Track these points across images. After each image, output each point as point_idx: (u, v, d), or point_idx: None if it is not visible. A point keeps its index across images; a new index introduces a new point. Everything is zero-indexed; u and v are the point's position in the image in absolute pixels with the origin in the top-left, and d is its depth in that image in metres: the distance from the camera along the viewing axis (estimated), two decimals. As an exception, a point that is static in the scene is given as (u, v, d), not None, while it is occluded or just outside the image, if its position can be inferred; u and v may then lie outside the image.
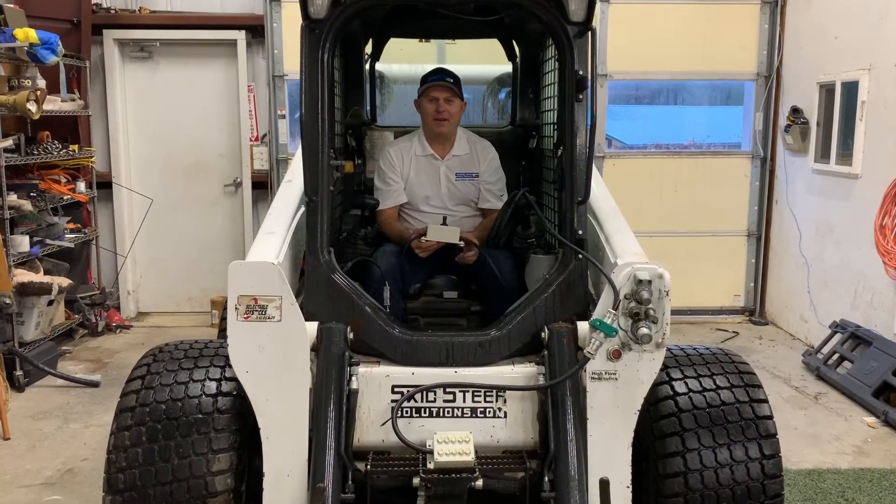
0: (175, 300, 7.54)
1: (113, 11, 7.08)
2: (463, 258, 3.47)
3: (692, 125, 7.78)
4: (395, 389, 2.83)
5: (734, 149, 7.64)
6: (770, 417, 2.92)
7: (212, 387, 2.89)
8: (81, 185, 6.65)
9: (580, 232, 3.00)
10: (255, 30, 7.11)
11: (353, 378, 2.78)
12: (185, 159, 7.40)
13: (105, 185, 7.22)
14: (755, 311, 7.58)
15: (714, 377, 3.00)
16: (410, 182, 3.79)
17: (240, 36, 7.16)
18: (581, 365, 2.71)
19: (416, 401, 2.82)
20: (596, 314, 2.75)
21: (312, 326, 2.83)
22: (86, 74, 6.80)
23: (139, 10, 7.09)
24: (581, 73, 2.96)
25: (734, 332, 7.12)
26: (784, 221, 7.18)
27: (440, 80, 3.68)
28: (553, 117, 3.87)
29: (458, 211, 3.81)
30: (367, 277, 3.41)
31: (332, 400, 2.67)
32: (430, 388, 2.81)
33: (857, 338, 5.73)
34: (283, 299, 2.73)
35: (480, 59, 5.16)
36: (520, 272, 3.49)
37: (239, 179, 7.40)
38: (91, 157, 6.84)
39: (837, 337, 5.91)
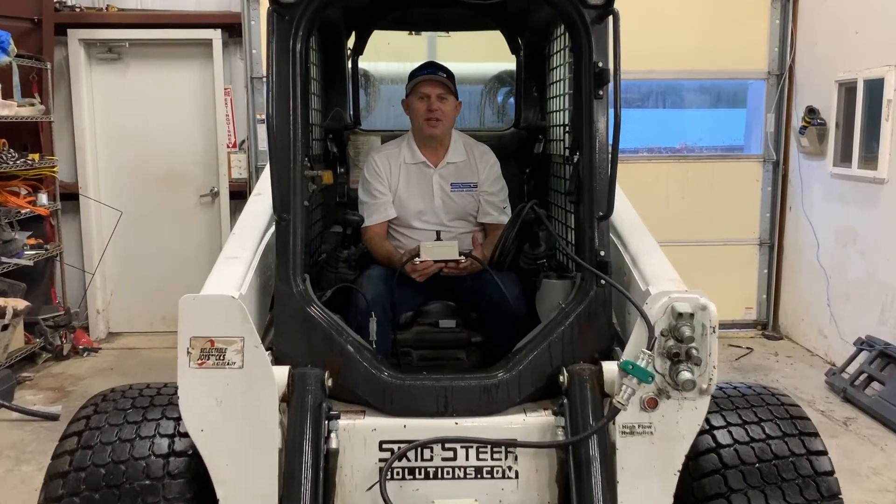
0: (148, 319, 7.01)
1: (78, 10, 6.59)
2: (451, 269, 2.96)
3: (694, 128, 7.34)
4: (384, 446, 2.39)
5: (743, 152, 7.21)
6: (832, 473, 2.47)
7: (162, 445, 2.42)
8: (43, 198, 6.15)
9: (602, 253, 2.52)
10: (232, 28, 6.63)
11: (333, 434, 2.31)
12: (157, 168, 6.92)
13: (71, 197, 6.72)
14: (768, 325, 7.15)
15: (762, 424, 2.54)
16: (399, 194, 3.30)
17: (215, 35, 6.69)
18: (610, 418, 2.24)
19: (409, 459, 2.38)
20: (626, 354, 2.28)
21: (283, 372, 2.35)
22: (47, 77, 6.29)
23: (106, 8, 6.61)
24: (601, 64, 2.50)
25: (748, 347, 6.66)
26: (799, 229, 6.74)
27: (431, 75, 3.20)
28: (562, 118, 3.39)
29: (454, 226, 3.32)
30: (350, 307, 2.92)
31: (306, 462, 2.23)
32: (427, 444, 2.37)
33: (886, 356, 5.28)
34: (246, 341, 2.25)
35: (477, 56, 4.68)
36: (528, 298, 3.00)
37: (216, 189, 6.92)
38: (54, 167, 6.35)
39: (864, 355, 5.47)
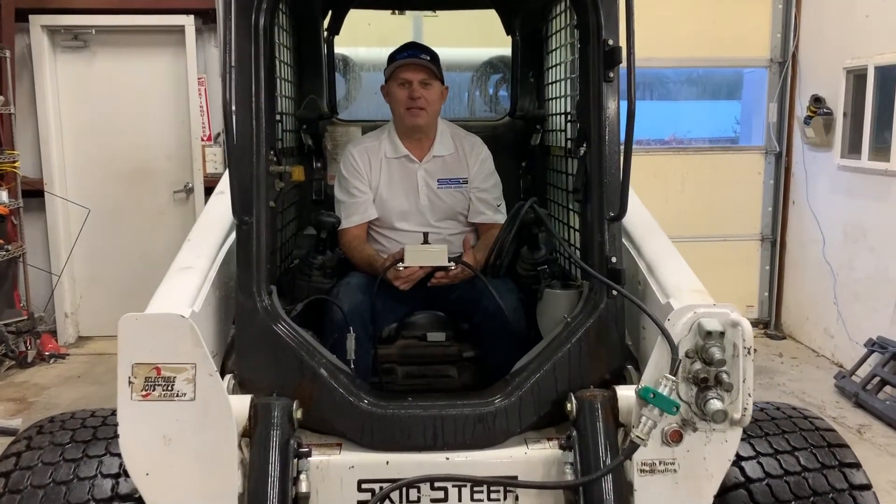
0: (120, 323, 6.62)
1: (40, -7, 6.17)
2: (439, 279, 2.63)
3: (688, 119, 7.04)
4: (364, 486, 2.06)
5: (738, 143, 6.92)
6: (878, 511, 2.14)
7: (105, 487, 2.09)
8: (3, 195, 5.76)
9: (613, 259, 2.19)
10: (206, 14, 6.26)
11: (303, 476, 1.98)
12: (127, 163, 6.53)
13: (35, 194, 6.32)
14: (770, 324, 6.87)
15: (797, 454, 2.23)
16: (380, 192, 2.95)
17: (188, 21, 6.31)
18: (628, 455, 1.92)
19: (392, 501, 2.05)
20: (646, 379, 1.95)
21: (243, 403, 2.01)
22: (6, 66, 5.89)
23: (71, -8, 6.19)
24: (611, 42, 2.17)
25: (751, 348, 6.35)
26: (804, 224, 6.45)
27: (413, 58, 2.84)
28: (563, 106, 3.05)
29: (442, 227, 2.97)
30: (326, 321, 2.58)
31: (272, 510, 1.86)
32: (413, 484, 2.03)
33: (900, 359, 4.99)
34: (199, 368, 1.91)
35: (467, 39, 4.32)
36: (527, 308, 2.67)
37: (190, 185, 6.56)
38: (14, 162, 5.96)
39: (875, 357, 5.20)
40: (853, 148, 5.71)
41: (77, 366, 6.11)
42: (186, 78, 6.38)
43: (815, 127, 6.04)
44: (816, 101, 6.06)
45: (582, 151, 2.30)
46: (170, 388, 1.89)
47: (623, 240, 2.33)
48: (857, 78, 5.65)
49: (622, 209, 2.17)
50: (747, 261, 6.86)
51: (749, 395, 1.91)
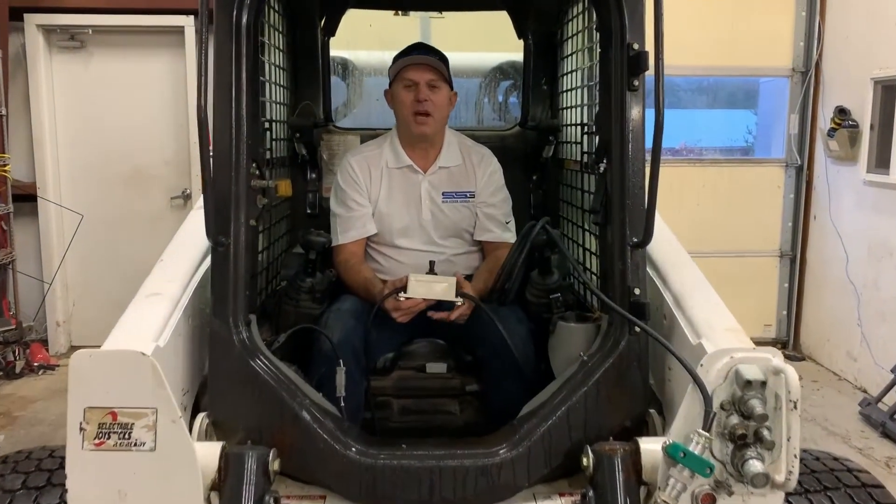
0: (113, 332, 6.41)
1: (36, -9, 5.97)
2: (442, 316, 2.38)
3: (703, 129, 6.79)
4: (350, 548, 1.79)
5: (754, 155, 6.67)
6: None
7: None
8: (-7, 199, 5.54)
9: (637, 291, 1.94)
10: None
11: None
12: (124, 167, 6.32)
13: (28, 199, 6.11)
14: (788, 344, 6.58)
15: (842, 516, 1.95)
16: (380, 206, 2.70)
17: (188, 22, 6.11)
18: (653, 523, 1.64)
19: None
20: (674, 433, 1.70)
21: (212, 452, 1.76)
22: (0, 67, 5.68)
23: (67, -10, 5.99)
24: (636, 46, 1.93)
25: (769, 370, 6.08)
26: (825, 240, 6.17)
27: (420, 57, 2.60)
28: (578, 116, 2.80)
29: (446, 246, 2.73)
30: (313, 351, 2.32)
31: (242, 578, 1.62)
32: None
33: (931, 386, 4.71)
34: (160, 413, 1.66)
35: (474, 44, 4.06)
36: (538, 340, 2.41)
37: (188, 191, 6.33)
38: (6, 166, 5.74)
39: (904, 384, 4.89)
40: (881, 162, 5.44)
41: (67, 377, 5.88)
42: (186, 80, 6.17)
43: (839, 139, 5.78)
44: (841, 112, 5.79)
45: (602, 168, 2.05)
46: (127, 436, 1.65)
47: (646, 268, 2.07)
48: (885, 89, 5.38)
49: (647, 234, 1.92)
50: (765, 278, 6.58)
51: (795, 455, 1.65)
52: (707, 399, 1.67)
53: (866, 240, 5.61)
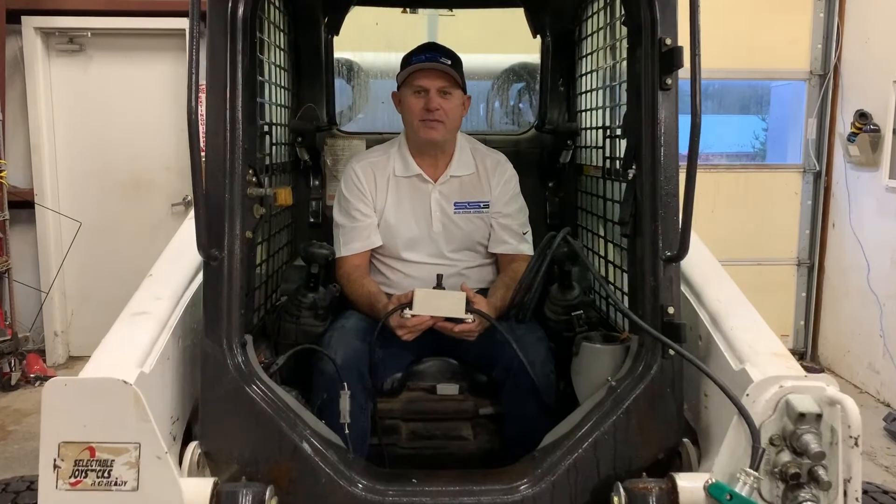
0: (112, 343, 6.25)
1: (34, -6, 5.84)
2: (459, 331, 2.20)
3: (708, 133, 6.61)
4: None
5: (765, 161, 6.50)
6: None
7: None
8: (-12, 207, 5.40)
9: (670, 310, 1.76)
10: (209, 17, 5.85)
11: None
12: (123, 173, 6.17)
13: (25, 206, 5.97)
14: (806, 355, 6.38)
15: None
16: (387, 216, 2.53)
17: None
18: (696, 574, 1.47)
19: None
20: (717, 471, 1.52)
21: (202, 489, 1.58)
22: (-4, 70, 5.56)
23: (66, -7, 5.86)
24: (669, 42, 1.76)
25: (788, 382, 5.88)
26: (845, 248, 5.98)
27: (431, 62, 2.42)
28: (599, 118, 2.63)
29: (458, 259, 2.55)
30: (315, 373, 2.15)
31: None
32: None
33: (960, 402, 4.51)
34: (144, 448, 1.49)
35: (485, 45, 3.88)
36: (557, 360, 2.23)
37: (189, 198, 6.15)
38: (2, 171, 5.61)
39: (930, 398, 4.70)
40: (905, 167, 5.26)
41: (64, 389, 5.72)
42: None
43: (860, 144, 5.59)
44: (862, 116, 5.60)
45: (631, 174, 1.87)
46: (106, 474, 1.48)
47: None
48: (909, 92, 5.20)
49: (683, 248, 1.74)
50: (782, 287, 6.39)
51: (857, 499, 1.47)
52: (755, 433, 1.49)
53: (889, 248, 5.42)
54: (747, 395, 1.54)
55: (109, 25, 5.90)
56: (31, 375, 5.74)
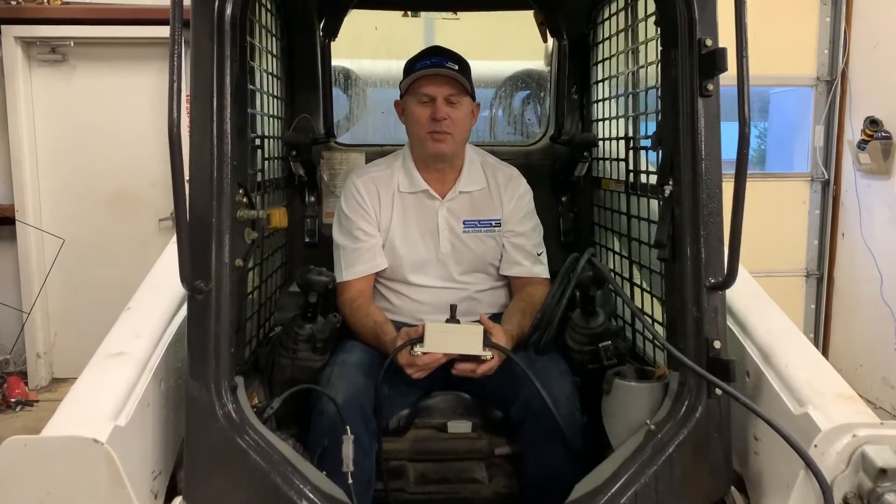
0: (97, 364, 6.02)
1: (14, 2, 5.64)
2: (481, 374, 1.98)
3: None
4: None
5: (785, 171, 6.33)
6: None
7: None
8: (-36, 224, 5.17)
9: (717, 344, 1.56)
10: (197, 26, 5.66)
11: None
12: (108, 188, 5.96)
13: (5, 222, 5.77)
14: (816, 368, 6.18)
15: None
16: (392, 236, 2.32)
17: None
18: None
19: None
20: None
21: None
22: (-26, 80, 5.36)
23: (48, 1, 5.65)
24: (710, 43, 1.57)
25: (799, 398, 5.70)
26: (855, 259, 5.81)
27: (438, 68, 2.21)
28: (626, 128, 2.43)
29: (468, 282, 2.34)
30: (314, 414, 1.93)
31: None
32: None
33: (984, 420, 4.32)
34: (117, 519, 1.26)
35: (485, 52, 3.64)
36: (583, 396, 2.02)
37: (177, 213, 5.92)
38: (-20, 187, 5.37)
39: (951, 415, 4.52)
40: (919, 176, 5.10)
41: (47, 414, 5.35)
42: (174, 95, 5.83)
43: (871, 152, 5.43)
44: (873, 123, 5.44)
45: (668, 191, 1.67)
46: (72, 549, 1.26)
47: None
48: (922, 98, 5.05)
49: (731, 274, 1.54)
50: (790, 298, 6.20)
51: (950, 569, 1.26)
52: (826, 492, 1.29)
53: (903, 259, 5.26)
54: (815, 445, 1.34)
55: (93, 34, 5.69)
56: (12, 400, 5.50)
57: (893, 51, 5.36)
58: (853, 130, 5.71)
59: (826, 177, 6.02)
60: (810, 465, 1.32)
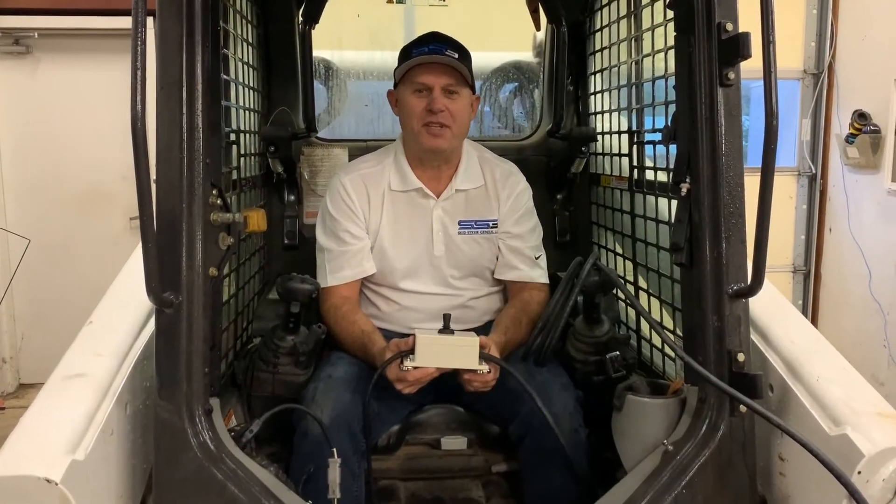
0: (67, 369, 5.82)
1: (-26, -8, 5.40)
2: (472, 383, 1.84)
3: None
4: None
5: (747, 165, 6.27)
6: None
7: None
8: (-77, 224, 4.93)
9: (740, 357, 1.42)
10: (168, 16, 5.46)
11: None
12: (76, 185, 5.77)
13: (-32, 222, 5.51)
14: (803, 365, 6.12)
15: None
16: (381, 239, 2.16)
17: (148, 24, 5.47)
18: None
19: None
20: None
21: None
22: (-69, 74, 5.11)
23: (10, -10, 5.44)
24: (730, 27, 1.43)
25: (787, 395, 5.64)
26: (843, 255, 5.76)
27: (436, 55, 2.04)
28: (630, 121, 2.29)
29: (463, 288, 2.18)
30: (297, 434, 1.77)
31: None
32: None
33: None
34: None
35: (469, 42, 3.47)
36: (587, 410, 1.88)
37: (149, 211, 5.73)
38: (-60, 186, 5.13)
39: (943, 413, 4.45)
40: (907, 170, 5.04)
41: (13, 421, 5.21)
42: (144, 88, 5.63)
43: (859, 146, 5.37)
44: (861, 117, 5.38)
45: (684, 189, 1.53)
46: None
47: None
48: (911, 91, 4.98)
49: (756, 280, 1.41)
50: (778, 294, 6.16)
51: None
52: (872, 521, 1.15)
53: (893, 254, 5.19)
54: (859, 472, 1.21)
55: (58, 25, 5.49)
56: (-23, 408, 5.29)
57: (881, 44, 5.30)
58: (840, 124, 5.66)
59: (813, 171, 5.97)
60: (854, 495, 1.19)
